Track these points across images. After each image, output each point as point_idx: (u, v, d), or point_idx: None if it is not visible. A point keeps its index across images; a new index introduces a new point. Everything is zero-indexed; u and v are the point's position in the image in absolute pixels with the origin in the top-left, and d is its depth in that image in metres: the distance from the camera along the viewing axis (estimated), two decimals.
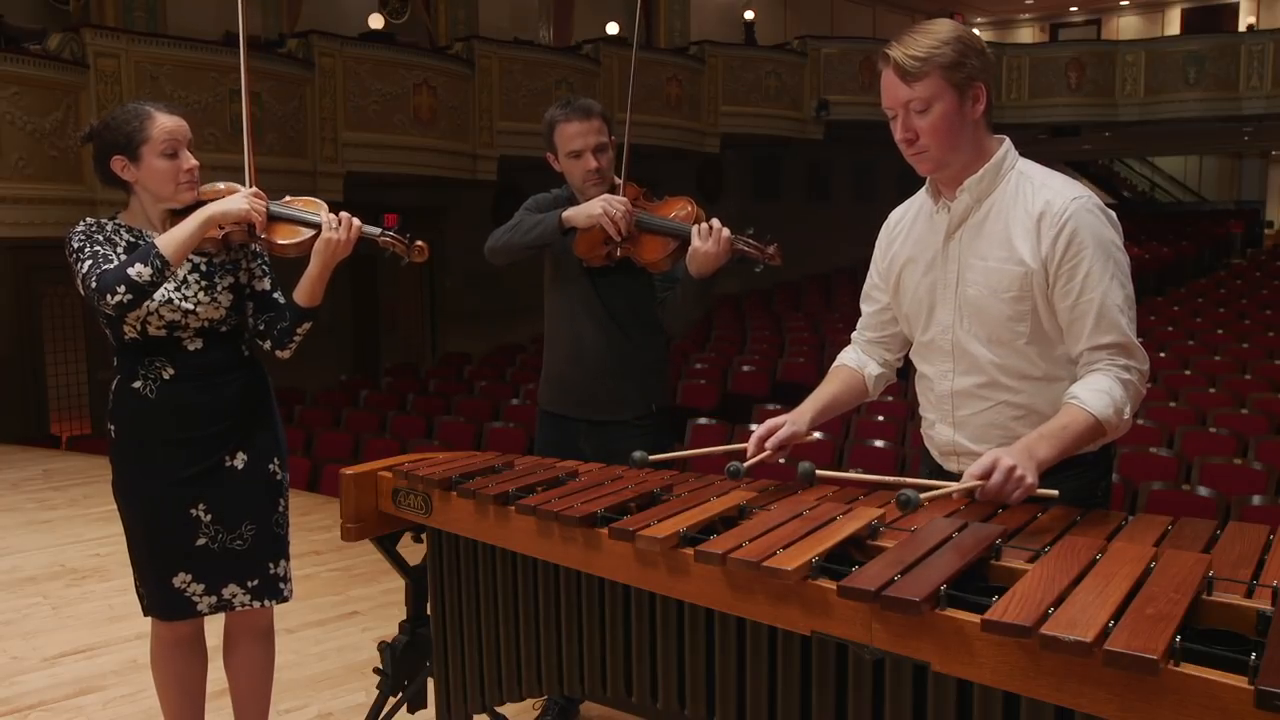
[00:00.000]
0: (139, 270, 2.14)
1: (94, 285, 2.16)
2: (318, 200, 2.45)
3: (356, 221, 2.36)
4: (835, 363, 2.27)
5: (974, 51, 1.87)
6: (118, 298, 2.14)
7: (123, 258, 2.21)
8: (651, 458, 2.18)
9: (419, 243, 2.43)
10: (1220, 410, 6.77)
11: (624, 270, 2.76)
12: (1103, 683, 1.25)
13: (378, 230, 2.40)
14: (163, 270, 2.16)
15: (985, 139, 1.94)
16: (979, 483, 1.74)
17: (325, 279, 2.37)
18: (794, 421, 2.07)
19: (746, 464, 2.05)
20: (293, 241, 2.36)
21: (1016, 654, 1.32)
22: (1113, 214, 1.91)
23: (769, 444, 2.04)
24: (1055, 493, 1.76)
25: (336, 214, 2.36)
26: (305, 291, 2.37)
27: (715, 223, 2.58)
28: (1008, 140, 1.97)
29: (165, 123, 2.27)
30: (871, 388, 2.21)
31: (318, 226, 2.35)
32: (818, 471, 1.99)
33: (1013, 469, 1.72)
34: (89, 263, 2.19)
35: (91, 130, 2.32)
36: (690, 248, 2.58)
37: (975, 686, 1.39)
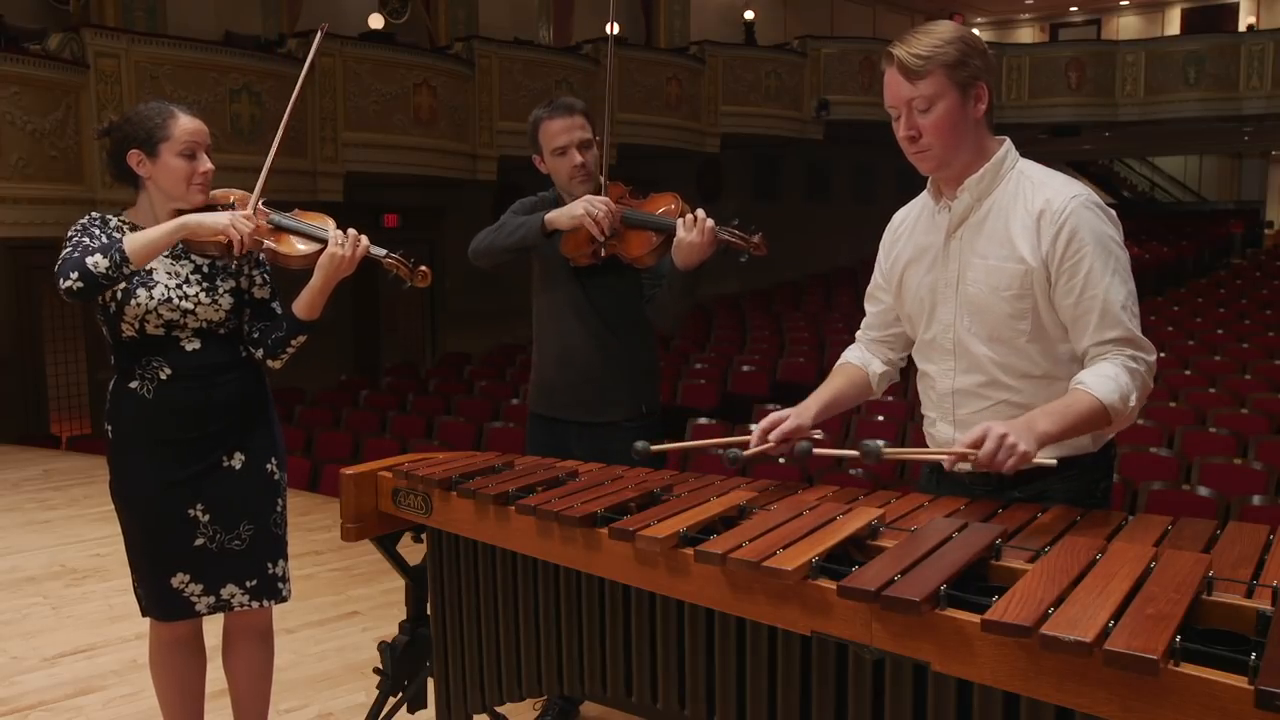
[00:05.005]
0: (96, 261, 2.15)
1: (57, 269, 2.18)
2: (326, 216, 2.45)
3: (364, 240, 2.36)
4: (840, 360, 2.28)
5: (976, 52, 1.89)
6: (68, 283, 2.15)
7: None
8: (654, 448, 2.18)
9: (422, 268, 2.43)
10: (1220, 410, 6.77)
11: (612, 271, 2.75)
12: (1103, 683, 1.25)
13: (383, 252, 2.39)
14: (121, 266, 2.15)
15: (986, 139, 1.95)
16: (971, 451, 1.71)
17: (327, 294, 2.36)
18: (798, 415, 2.08)
19: (748, 453, 2.05)
20: (297, 254, 2.36)
21: (1016, 654, 1.32)
22: (1112, 212, 1.92)
23: (772, 436, 2.05)
24: (1053, 462, 1.74)
25: (345, 230, 2.36)
26: (305, 304, 2.37)
27: (700, 213, 2.59)
28: (1008, 141, 1.99)
29: (187, 124, 2.30)
30: (875, 385, 2.23)
31: (324, 241, 2.34)
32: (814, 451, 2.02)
33: (1004, 436, 1.70)
34: (67, 249, 2.21)
35: (112, 124, 2.34)
36: (675, 239, 2.58)
37: (975, 686, 1.39)
